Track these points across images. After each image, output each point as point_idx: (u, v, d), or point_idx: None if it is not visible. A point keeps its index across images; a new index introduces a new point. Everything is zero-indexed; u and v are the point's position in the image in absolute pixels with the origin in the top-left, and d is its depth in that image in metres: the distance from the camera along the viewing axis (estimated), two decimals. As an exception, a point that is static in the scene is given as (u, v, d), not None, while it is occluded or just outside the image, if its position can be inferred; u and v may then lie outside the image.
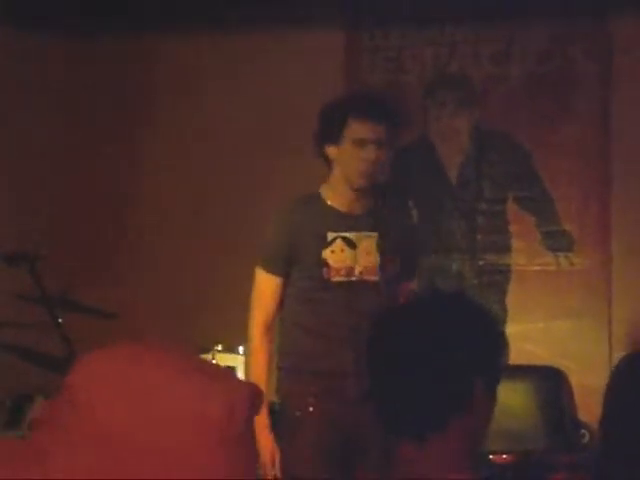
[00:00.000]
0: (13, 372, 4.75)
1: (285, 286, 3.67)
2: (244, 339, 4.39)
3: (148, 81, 5.99)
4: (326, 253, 3.60)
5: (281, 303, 3.69)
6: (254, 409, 1.31)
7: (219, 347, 4.40)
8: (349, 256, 3.60)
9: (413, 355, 1.87)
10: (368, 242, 3.60)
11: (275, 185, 5.48)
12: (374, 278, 3.59)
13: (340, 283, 3.60)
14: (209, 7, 5.76)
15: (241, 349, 4.40)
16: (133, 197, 5.96)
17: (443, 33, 5.76)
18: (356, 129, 3.54)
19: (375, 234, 3.62)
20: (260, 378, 3.55)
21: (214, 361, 4.29)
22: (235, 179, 5.78)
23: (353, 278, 3.61)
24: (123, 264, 5.87)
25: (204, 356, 4.32)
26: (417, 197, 5.47)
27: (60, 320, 4.28)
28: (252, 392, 1.32)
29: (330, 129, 3.58)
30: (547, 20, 5.63)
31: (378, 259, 3.61)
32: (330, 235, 3.61)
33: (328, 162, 3.63)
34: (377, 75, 5.83)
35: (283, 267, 3.65)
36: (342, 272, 3.60)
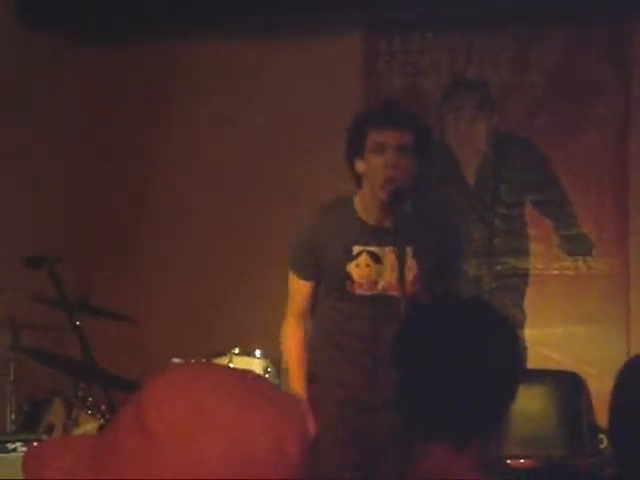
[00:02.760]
0: (31, 375, 4.76)
1: (315, 289, 3.70)
2: (261, 342, 4.42)
3: (163, 84, 6.00)
4: (351, 267, 3.59)
5: (313, 303, 3.71)
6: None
7: (236, 350, 4.39)
8: (373, 271, 3.59)
9: (454, 364, 1.89)
10: (393, 257, 3.54)
11: (292, 189, 5.50)
12: (397, 293, 3.53)
13: (363, 296, 3.60)
14: (227, 12, 5.78)
15: (258, 352, 4.40)
16: (150, 200, 5.97)
17: (461, 38, 5.76)
18: (374, 136, 3.54)
19: (399, 249, 3.57)
20: (294, 366, 3.67)
21: (231, 364, 4.29)
22: (251, 182, 5.78)
23: (376, 292, 3.60)
24: (141, 267, 5.89)
25: (221, 359, 4.32)
26: (435, 201, 5.46)
27: (78, 323, 4.29)
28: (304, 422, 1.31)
29: (354, 144, 3.60)
30: (566, 25, 5.61)
31: (405, 274, 3.58)
32: (356, 249, 3.60)
33: (359, 178, 3.63)
34: (395, 80, 5.83)
35: (311, 272, 3.69)
36: (365, 286, 3.60)
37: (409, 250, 3.56)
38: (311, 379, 3.70)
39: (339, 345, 3.64)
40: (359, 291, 3.60)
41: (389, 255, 3.55)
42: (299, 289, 3.70)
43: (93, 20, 5.87)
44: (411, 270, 3.58)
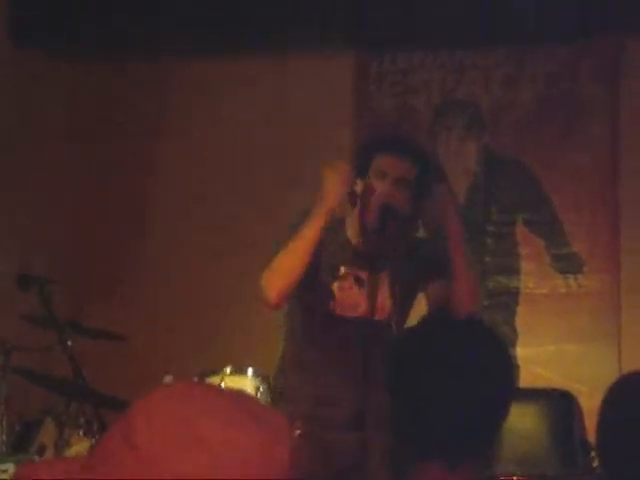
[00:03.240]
0: (22, 395, 4.75)
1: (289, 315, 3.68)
2: (253, 362, 4.41)
3: (159, 103, 6.02)
4: (334, 286, 3.58)
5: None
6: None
7: (228, 369, 4.39)
8: (356, 294, 3.58)
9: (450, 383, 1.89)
10: (376, 283, 3.54)
11: (287, 208, 5.50)
12: (376, 318, 3.54)
13: (343, 318, 3.60)
14: (220, 30, 5.80)
15: (250, 371, 4.40)
16: (143, 220, 5.98)
17: (452, 57, 5.79)
18: (380, 162, 3.53)
19: (383, 275, 3.56)
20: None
21: (223, 383, 4.28)
22: (245, 202, 5.79)
23: (355, 315, 3.58)
24: (132, 287, 5.88)
25: (213, 378, 4.31)
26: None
27: (69, 343, 4.28)
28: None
29: (360, 163, 3.59)
30: (556, 44, 5.64)
31: (386, 300, 3.59)
32: (342, 270, 3.59)
33: (354, 199, 3.63)
34: (385, 99, 5.86)
35: None
36: (346, 308, 3.59)
37: (385, 277, 3.57)
38: (282, 399, 3.70)
39: (311, 364, 3.63)
40: (340, 312, 3.60)
41: (373, 280, 3.57)
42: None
43: (87, 39, 5.89)
44: (387, 296, 3.59)
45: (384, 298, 3.58)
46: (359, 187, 3.59)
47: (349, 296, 3.59)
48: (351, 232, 3.64)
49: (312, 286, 3.60)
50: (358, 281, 3.58)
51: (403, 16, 5.57)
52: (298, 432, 3.45)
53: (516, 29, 5.61)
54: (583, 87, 5.62)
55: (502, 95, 5.73)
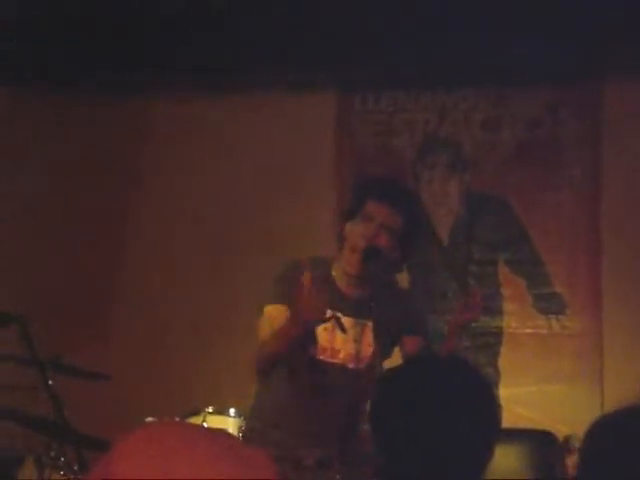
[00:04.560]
0: (2, 434, 4.71)
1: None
2: (235, 402, 4.39)
3: (141, 143, 6.03)
4: (319, 330, 3.54)
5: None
6: None
7: (210, 409, 4.36)
8: (338, 339, 3.56)
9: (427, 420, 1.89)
10: (358, 329, 3.54)
11: (270, 247, 5.50)
12: (354, 366, 3.53)
13: (322, 362, 3.57)
14: (203, 71, 5.82)
15: (232, 411, 4.37)
16: (124, 259, 5.97)
17: (434, 98, 5.83)
18: (370, 208, 3.54)
19: (365, 322, 3.55)
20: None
21: (205, 423, 4.26)
22: (231, 240, 5.79)
23: (335, 361, 3.57)
24: (114, 326, 5.86)
25: (195, 418, 4.29)
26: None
27: (50, 382, 4.25)
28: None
29: (351, 207, 3.61)
30: (537, 86, 5.69)
31: (368, 348, 3.58)
32: (328, 312, 3.54)
33: (342, 241, 3.63)
34: (368, 139, 5.88)
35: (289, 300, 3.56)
36: (328, 352, 3.58)
37: (369, 325, 3.56)
38: (252, 438, 3.68)
39: (285, 403, 3.61)
40: (321, 356, 3.59)
41: (355, 327, 3.54)
42: (278, 314, 3.53)
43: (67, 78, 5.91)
44: (370, 345, 3.59)
45: (366, 346, 3.57)
46: (347, 229, 3.59)
47: (330, 340, 3.58)
48: (337, 276, 3.63)
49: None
50: (341, 326, 3.56)
51: (386, 57, 5.61)
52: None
53: (497, 72, 5.66)
54: (564, 128, 5.66)
55: (483, 136, 5.77)
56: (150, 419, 4.01)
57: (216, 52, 5.74)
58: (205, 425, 4.19)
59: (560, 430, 5.00)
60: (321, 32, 5.53)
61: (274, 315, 3.55)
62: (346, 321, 3.56)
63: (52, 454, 4.26)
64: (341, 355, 3.58)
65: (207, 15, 5.56)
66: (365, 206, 3.56)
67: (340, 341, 3.58)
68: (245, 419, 3.97)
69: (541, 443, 4.87)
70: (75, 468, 4.21)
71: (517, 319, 5.58)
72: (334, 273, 3.63)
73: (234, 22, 5.56)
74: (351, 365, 3.54)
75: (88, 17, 5.60)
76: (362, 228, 3.53)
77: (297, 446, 3.54)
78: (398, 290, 3.83)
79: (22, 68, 5.88)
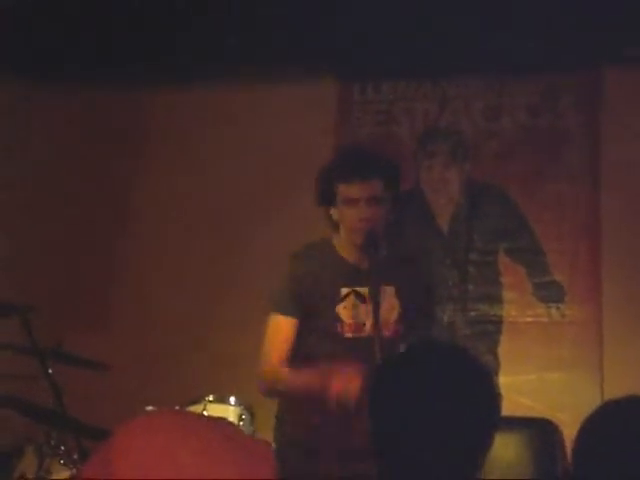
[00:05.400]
0: (3, 423, 4.72)
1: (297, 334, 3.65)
2: (235, 390, 4.39)
3: (140, 135, 6.02)
4: (339, 308, 3.56)
5: (293, 345, 3.65)
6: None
7: (210, 397, 4.37)
8: (361, 311, 3.56)
9: (425, 413, 1.89)
10: (377, 296, 3.45)
11: (268, 237, 5.50)
12: (386, 335, 3.48)
13: (350, 339, 3.57)
14: (198, 60, 5.81)
15: (232, 399, 4.38)
16: (128, 249, 5.96)
17: (434, 87, 5.82)
18: (344, 191, 3.52)
19: (383, 288, 3.52)
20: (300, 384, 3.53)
21: (205, 412, 4.26)
22: (231, 230, 5.79)
23: (363, 334, 3.55)
24: (115, 315, 5.86)
25: (195, 407, 4.30)
26: (409, 246, 5.48)
27: (50, 371, 4.26)
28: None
29: (325, 195, 3.59)
30: (537, 74, 5.68)
31: (392, 311, 3.57)
32: (344, 290, 3.57)
33: (335, 223, 3.63)
34: (368, 128, 5.87)
35: (299, 309, 3.59)
36: (354, 328, 3.57)
37: (391, 289, 3.56)
38: (283, 424, 3.68)
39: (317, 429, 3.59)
40: (348, 333, 3.57)
41: (373, 294, 3.47)
42: (285, 326, 3.58)
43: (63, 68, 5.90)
44: (395, 309, 3.58)
45: (390, 310, 3.55)
46: (335, 215, 3.58)
47: (354, 316, 3.56)
48: (342, 252, 3.62)
49: (316, 313, 3.58)
50: (360, 298, 3.56)
51: (387, 46, 5.59)
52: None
53: (497, 60, 5.65)
54: (564, 117, 5.65)
55: (484, 125, 5.76)
56: (150, 408, 4.02)
57: (215, 43, 5.73)
58: (205, 414, 4.19)
59: (560, 418, 5.00)
60: (321, 21, 5.52)
61: (283, 328, 3.59)
62: (363, 292, 3.55)
63: (52, 443, 4.27)
64: (367, 327, 3.55)
65: (205, 4, 5.56)
66: (339, 191, 3.53)
67: (363, 314, 3.55)
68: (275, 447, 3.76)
69: (541, 431, 4.87)
70: (75, 457, 4.21)
71: (517, 307, 5.58)
72: (340, 251, 3.62)
73: (232, 11, 5.55)
74: (381, 335, 3.41)
75: (87, 7, 5.59)
76: (354, 213, 3.51)
77: (336, 433, 3.51)
78: (409, 255, 3.83)
79: (21, 59, 5.86)
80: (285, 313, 3.61)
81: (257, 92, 5.88)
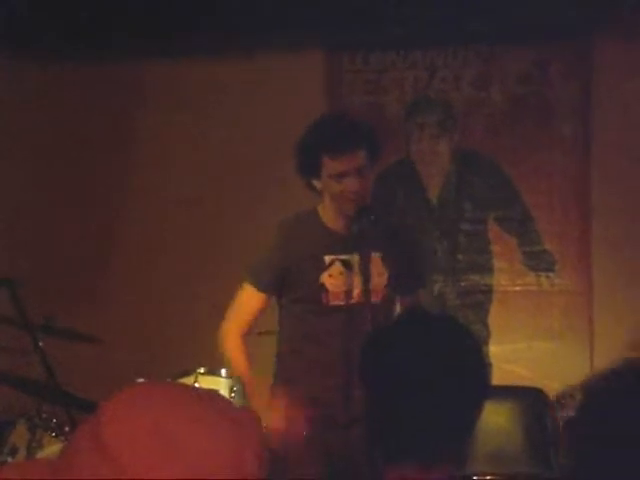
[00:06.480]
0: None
1: (268, 305, 3.65)
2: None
3: (132, 108, 6.00)
4: (324, 277, 3.53)
5: (256, 319, 3.67)
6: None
7: (202, 370, 4.37)
8: (347, 279, 3.53)
9: (414, 380, 1.89)
10: (364, 262, 3.42)
11: (260, 209, 5.49)
12: (374, 300, 3.44)
13: (337, 307, 3.54)
14: (187, 30, 5.78)
15: (223, 372, 4.39)
16: (117, 222, 5.95)
17: (424, 57, 5.80)
18: (332, 166, 3.46)
19: (371, 254, 3.49)
20: (245, 376, 3.61)
21: (197, 384, 4.27)
22: (219, 204, 5.78)
23: (351, 302, 3.52)
24: (106, 288, 5.86)
25: (186, 379, 4.30)
26: (398, 217, 5.48)
27: (41, 344, 4.26)
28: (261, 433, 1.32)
29: (308, 167, 3.52)
30: (527, 43, 5.66)
31: (380, 277, 3.56)
32: (327, 258, 3.54)
33: (317, 191, 3.60)
34: (357, 97, 5.86)
35: (274, 285, 3.59)
36: (340, 296, 3.54)
37: (378, 256, 3.55)
38: (280, 395, 3.67)
39: (311, 359, 3.59)
40: (334, 302, 3.54)
41: (360, 261, 3.45)
42: (254, 300, 3.59)
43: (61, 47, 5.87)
44: (382, 275, 3.57)
45: (377, 276, 3.53)
46: (318, 185, 3.53)
47: (340, 284, 3.55)
48: (327, 220, 3.60)
49: (299, 282, 3.57)
50: (346, 266, 3.55)
51: (374, 16, 5.57)
52: (305, 434, 3.42)
53: (486, 29, 5.63)
54: (554, 86, 5.64)
55: (473, 94, 5.75)
56: (140, 380, 4.02)
57: (200, 14, 5.70)
58: (197, 386, 4.20)
59: (550, 386, 5.02)
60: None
61: (250, 301, 3.62)
62: (350, 259, 3.51)
63: (43, 416, 4.28)
64: (354, 294, 3.52)
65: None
66: (325, 164, 3.47)
67: (349, 281, 3.52)
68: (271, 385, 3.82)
69: (531, 400, 4.90)
70: (66, 429, 4.22)
71: (507, 276, 5.60)
72: (324, 218, 3.61)
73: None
74: (369, 301, 3.40)
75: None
76: (342, 186, 3.48)
77: (333, 403, 3.52)
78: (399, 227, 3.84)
79: (18, 35, 5.83)
80: (258, 287, 3.60)
81: (248, 62, 5.85)
